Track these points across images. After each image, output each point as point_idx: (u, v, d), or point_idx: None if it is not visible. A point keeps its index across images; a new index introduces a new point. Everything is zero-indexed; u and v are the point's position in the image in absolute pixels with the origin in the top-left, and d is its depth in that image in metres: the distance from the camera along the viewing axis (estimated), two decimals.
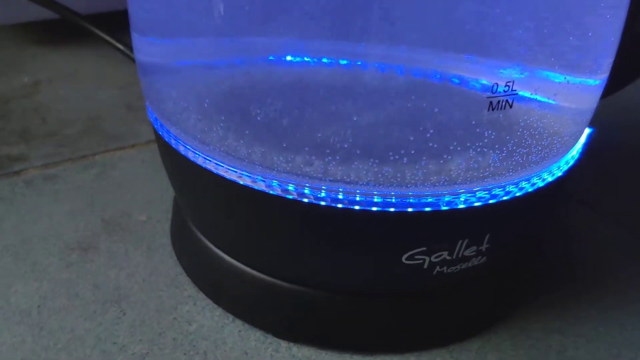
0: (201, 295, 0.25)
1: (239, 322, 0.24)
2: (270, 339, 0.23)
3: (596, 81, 0.20)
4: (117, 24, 0.22)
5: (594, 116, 0.22)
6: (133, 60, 0.29)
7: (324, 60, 0.18)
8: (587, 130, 0.23)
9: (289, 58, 0.18)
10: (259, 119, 0.18)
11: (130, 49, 0.36)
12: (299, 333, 0.23)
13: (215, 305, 0.24)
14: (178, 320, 0.24)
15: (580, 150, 0.22)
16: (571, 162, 0.21)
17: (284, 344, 0.23)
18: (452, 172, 0.18)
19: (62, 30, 0.53)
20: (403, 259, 0.20)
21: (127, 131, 0.38)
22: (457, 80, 0.17)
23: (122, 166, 0.34)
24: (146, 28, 0.22)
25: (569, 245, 0.29)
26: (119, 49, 0.42)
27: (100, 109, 0.41)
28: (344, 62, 0.18)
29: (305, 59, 0.18)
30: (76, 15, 0.44)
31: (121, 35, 0.39)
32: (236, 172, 0.20)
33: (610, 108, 0.27)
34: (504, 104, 0.17)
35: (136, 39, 0.23)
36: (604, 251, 0.29)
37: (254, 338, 0.23)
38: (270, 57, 0.18)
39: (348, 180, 0.18)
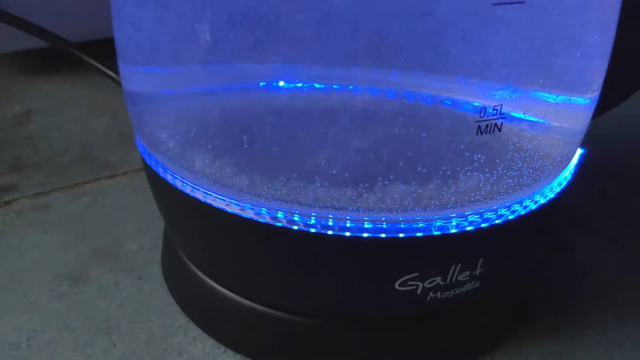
0: (192, 325, 0.24)
1: (230, 352, 0.23)
2: None
3: (587, 100, 0.20)
4: (108, 52, 0.21)
5: (586, 136, 0.22)
6: None
7: (315, 85, 0.18)
8: (579, 151, 0.22)
9: (281, 83, 0.18)
10: (246, 146, 0.18)
11: None
12: None
13: (207, 336, 0.24)
14: (169, 351, 0.23)
15: (572, 171, 0.22)
16: (564, 184, 0.21)
17: None
18: (442, 197, 0.18)
19: (53, 59, 0.53)
20: (396, 285, 0.19)
21: (119, 159, 0.38)
22: (449, 102, 0.17)
23: (114, 195, 0.34)
24: (132, 56, 0.22)
25: (565, 267, 0.29)
26: (110, 77, 0.42)
27: (92, 137, 0.41)
28: (335, 86, 0.17)
29: (296, 84, 0.18)
30: (67, 43, 0.44)
31: (112, 62, 0.39)
32: (224, 200, 0.19)
33: (602, 126, 0.27)
34: (492, 127, 0.17)
35: (123, 68, 0.22)
36: (601, 272, 0.28)
37: None
38: (261, 83, 0.18)
39: (338, 206, 0.18)
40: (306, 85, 0.18)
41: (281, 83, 0.18)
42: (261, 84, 0.18)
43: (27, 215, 0.32)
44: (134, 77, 0.22)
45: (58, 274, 0.27)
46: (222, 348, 0.23)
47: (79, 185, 0.35)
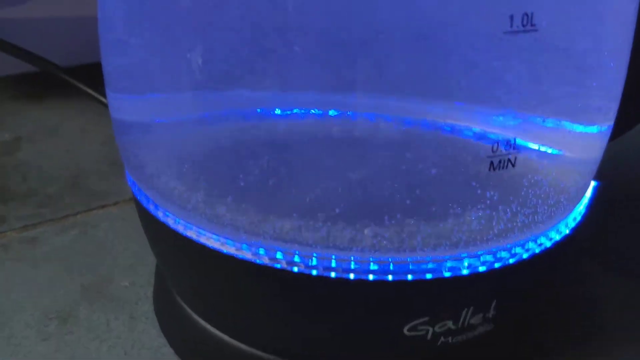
0: None
1: None
2: None
3: (602, 129, 0.19)
4: (99, 77, 0.21)
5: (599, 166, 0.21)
6: None
7: (313, 111, 0.16)
8: (592, 184, 0.21)
9: (277, 111, 0.17)
10: (242, 183, 0.17)
11: None
12: None
13: None
14: None
15: (586, 205, 0.21)
16: (578, 219, 0.20)
17: None
18: (453, 236, 0.17)
19: (42, 84, 0.51)
20: (404, 330, 0.18)
21: (110, 188, 0.36)
22: (460, 134, 0.16)
23: (104, 226, 0.33)
24: (120, 84, 0.20)
25: (578, 302, 0.28)
26: (101, 102, 0.41)
27: (83, 165, 0.40)
28: (333, 113, 0.16)
29: (293, 111, 0.17)
30: (56, 68, 0.43)
31: (103, 88, 0.38)
32: (219, 239, 0.18)
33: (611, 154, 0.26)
34: (506, 163, 0.16)
35: (111, 96, 0.21)
36: (617, 307, 0.27)
37: None
38: (258, 110, 0.17)
39: (341, 246, 0.17)
40: (304, 111, 0.17)
41: (277, 111, 0.17)
42: (258, 110, 0.17)
43: (14, 249, 0.30)
44: (122, 106, 0.21)
45: (46, 313, 0.26)
46: None
47: (68, 217, 0.33)
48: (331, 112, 0.16)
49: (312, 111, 0.16)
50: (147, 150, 0.20)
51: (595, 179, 0.21)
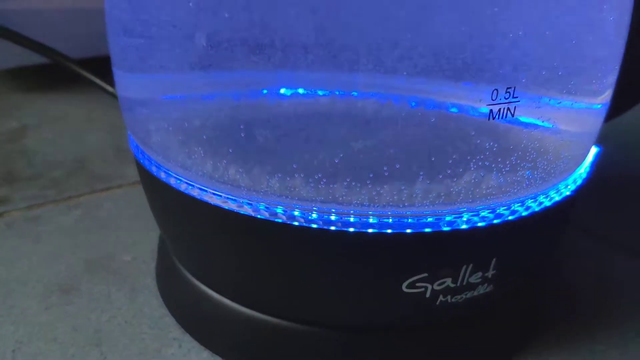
0: (187, 337, 0.23)
1: None
2: None
3: (599, 102, 0.19)
4: (106, 69, 0.21)
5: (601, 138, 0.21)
6: None
7: (319, 92, 0.17)
8: (594, 149, 0.21)
9: (282, 91, 0.17)
10: (242, 134, 0.17)
11: None
12: None
13: (202, 348, 0.23)
14: None
15: (588, 169, 0.21)
16: (579, 181, 0.20)
17: None
18: (452, 189, 0.17)
19: (50, 76, 0.52)
20: (403, 287, 0.18)
21: (114, 172, 0.37)
22: (455, 110, 0.16)
23: (108, 207, 0.33)
24: (127, 64, 0.21)
25: (579, 273, 0.27)
26: (108, 92, 0.42)
27: (88, 151, 0.40)
28: (338, 92, 0.16)
29: (297, 90, 0.17)
30: (66, 59, 0.43)
31: (110, 78, 0.38)
32: (221, 196, 0.18)
33: (614, 129, 0.26)
34: (505, 112, 0.16)
35: (117, 74, 0.22)
36: (615, 282, 0.27)
37: None
38: (264, 91, 0.17)
39: (341, 200, 0.17)
40: (307, 92, 0.17)
41: (283, 90, 0.17)
42: (264, 91, 0.17)
43: (17, 227, 0.31)
44: (128, 83, 0.21)
45: (48, 285, 0.26)
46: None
47: (72, 198, 0.34)
48: (337, 92, 0.16)
49: (318, 92, 0.17)
50: (150, 117, 0.20)
51: (598, 144, 0.21)
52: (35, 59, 0.45)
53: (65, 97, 0.50)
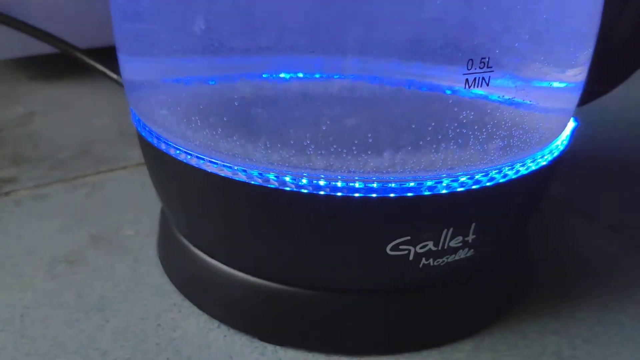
0: (187, 303, 0.24)
1: (224, 327, 0.23)
2: (256, 342, 0.23)
3: (573, 76, 0.20)
4: (112, 58, 0.22)
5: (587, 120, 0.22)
6: None
7: (300, 75, 0.18)
8: (572, 123, 0.22)
9: (264, 76, 0.18)
10: (236, 104, 0.18)
11: None
12: (284, 335, 0.22)
13: (201, 312, 0.24)
14: (162, 326, 0.23)
15: (565, 142, 0.22)
16: (556, 153, 0.21)
17: (269, 347, 0.22)
18: (432, 156, 0.18)
19: (57, 65, 0.53)
20: (387, 250, 0.19)
21: (118, 155, 0.38)
22: (435, 86, 0.17)
23: (112, 186, 0.34)
24: (129, 47, 0.22)
25: (563, 247, 0.29)
26: (114, 80, 0.43)
27: (93, 135, 0.41)
28: (318, 75, 0.18)
29: (299, 74, 0.18)
30: (74, 49, 0.44)
31: (115, 66, 0.40)
32: (217, 164, 0.20)
33: (605, 109, 0.27)
34: (480, 81, 0.17)
35: (121, 58, 0.23)
36: (600, 253, 0.28)
37: (240, 342, 0.23)
38: (264, 75, 0.18)
39: (329, 167, 0.18)
40: (305, 75, 0.18)
41: (265, 75, 0.18)
42: (264, 75, 0.18)
43: (25, 204, 0.32)
44: (131, 66, 0.22)
45: (54, 256, 0.27)
46: (216, 323, 0.23)
47: (78, 178, 0.35)
48: (317, 75, 0.18)
49: (300, 75, 0.18)
50: (152, 94, 0.21)
51: (576, 119, 0.23)
52: (43, 48, 0.46)
53: (71, 85, 0.51)
